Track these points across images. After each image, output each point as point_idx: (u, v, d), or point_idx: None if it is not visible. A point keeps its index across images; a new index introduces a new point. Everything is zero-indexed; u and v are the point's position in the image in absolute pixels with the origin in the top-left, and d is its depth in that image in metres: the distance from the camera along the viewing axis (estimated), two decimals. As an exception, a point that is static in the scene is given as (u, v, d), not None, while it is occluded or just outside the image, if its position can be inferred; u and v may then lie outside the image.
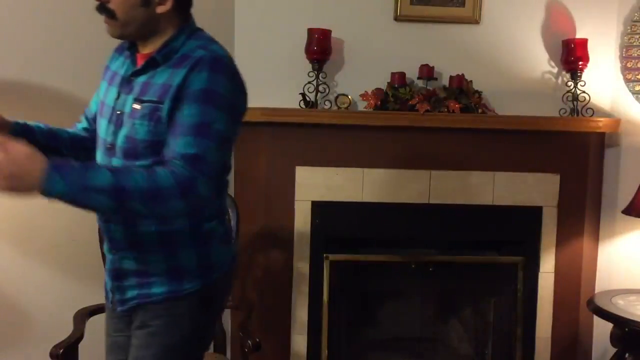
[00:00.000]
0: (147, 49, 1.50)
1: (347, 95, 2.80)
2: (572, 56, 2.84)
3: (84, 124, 1.71)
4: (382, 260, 2.95)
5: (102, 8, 1.44)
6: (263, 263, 2.87)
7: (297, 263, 2.86)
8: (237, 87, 1.45)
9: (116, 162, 1.47)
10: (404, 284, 3.15)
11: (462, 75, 2.84)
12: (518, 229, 2.95)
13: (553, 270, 2.94)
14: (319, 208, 2.83)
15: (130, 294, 1.55)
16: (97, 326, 2.04)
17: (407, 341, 3.25)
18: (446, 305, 3.27)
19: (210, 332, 1.68)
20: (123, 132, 1.46)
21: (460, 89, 2.83)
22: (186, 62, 1.42)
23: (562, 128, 2.85)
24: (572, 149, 2.90)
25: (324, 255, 2.85)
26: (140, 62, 1.50)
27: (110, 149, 1.48)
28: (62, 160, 1.34)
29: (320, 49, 2.75)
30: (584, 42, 2.84)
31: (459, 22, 2.90)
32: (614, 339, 2.68)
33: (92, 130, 1.64)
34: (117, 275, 1.56)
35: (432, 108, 2.77)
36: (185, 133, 1.36)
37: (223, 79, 1.40)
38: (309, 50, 2.76)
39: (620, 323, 2.59)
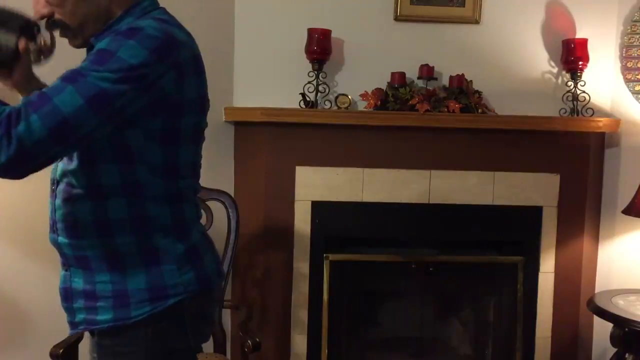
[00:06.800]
0: None
1: (347, 95, 2.80)
2: (572, 56, 2.84)
3: None
4: (382, 260, 2.95)
5: (52, 24, 1.34)
6: (263, 263, 2.87)
7: (297, 263, 2.86)
8: (150, 53, 1.22)
9: None
10: (404, 284, 3.15)
11: (462, 75, 2.84)
12: (518, 229, 2.95)
13: (553, 270, 2.94)
14: (319, 208, 2.83)
15: (79, 317, 1.39)
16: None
17: (407, 341, 3.25)
18: (446, 305, 3.27)
19: None
20: None
21: (460, 89, 2.83)
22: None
23: (562, 128, 2.84)
24: (572, 149, 2.90)
25: (324, 255, 2.85)
26: None
27: None
28: None
29: (320, 49, 2.75)
30: (584, 42, 2.84)
31: (459, 22, 2.90)
32: (614, 339, 2.67)
33: None
34: (66, 296, 1.41)
35: (432, 108, 2.77)
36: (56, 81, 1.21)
37: (128, 42, 1.22)
38: (309, 50, 2.76)
39: (620, 323, 2.59)
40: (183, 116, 1.32)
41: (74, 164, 1.33)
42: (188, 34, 1.36)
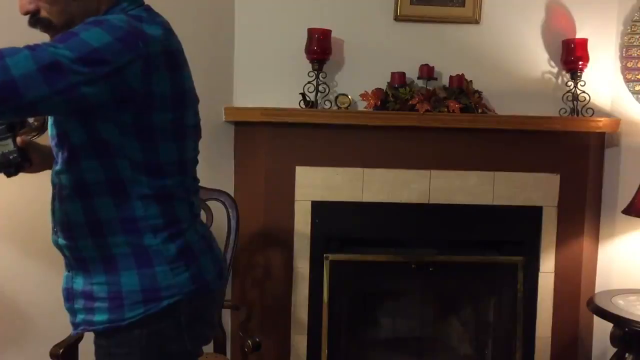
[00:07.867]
0: None
1: (347, 95, 2.80)
2: (572, 56, 2.84)
3: None
4: (382, 260, 2.95)
5: (36, 21, 1.30)
6: (263, 263, 2.87)
7: (297, 263, 2.86)
8: (114, 40, 1.20)
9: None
10: (404, 284, 3.14)
11: (462, 75, 2.84)
12: (518, 229, 2.95)
13: (553, 270, 2.94)
14: (319, 208, 2.83)
15: (79, 318, 1.40)
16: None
17: (407, 341, 3.25)
18: (446, 305, 3.27)
19: None
20: None
21: (460, 89, 2.83)
22: None
23: (562, 128, 2.85)
24: (572, 149, 2.90)
25: (324, 255, 2.85)
26: None
27: None
28: None
29: (320, 49, 2.75)
30: (584, 42, 2.84)
31: (459, 22, 2.90)
32: (614, 339, 2.68)
33: None
34: (68, 296, 1.42)
35: (432, 108, 2.77)
36: None
37: (93, 28, 1.20)
38: (309, 50, 2.77)
39: (620, 323, 2.59)
40: (153, 111, 1.28)
41: (60, 165, 1.34)
42: (165, 31, 1.32)
